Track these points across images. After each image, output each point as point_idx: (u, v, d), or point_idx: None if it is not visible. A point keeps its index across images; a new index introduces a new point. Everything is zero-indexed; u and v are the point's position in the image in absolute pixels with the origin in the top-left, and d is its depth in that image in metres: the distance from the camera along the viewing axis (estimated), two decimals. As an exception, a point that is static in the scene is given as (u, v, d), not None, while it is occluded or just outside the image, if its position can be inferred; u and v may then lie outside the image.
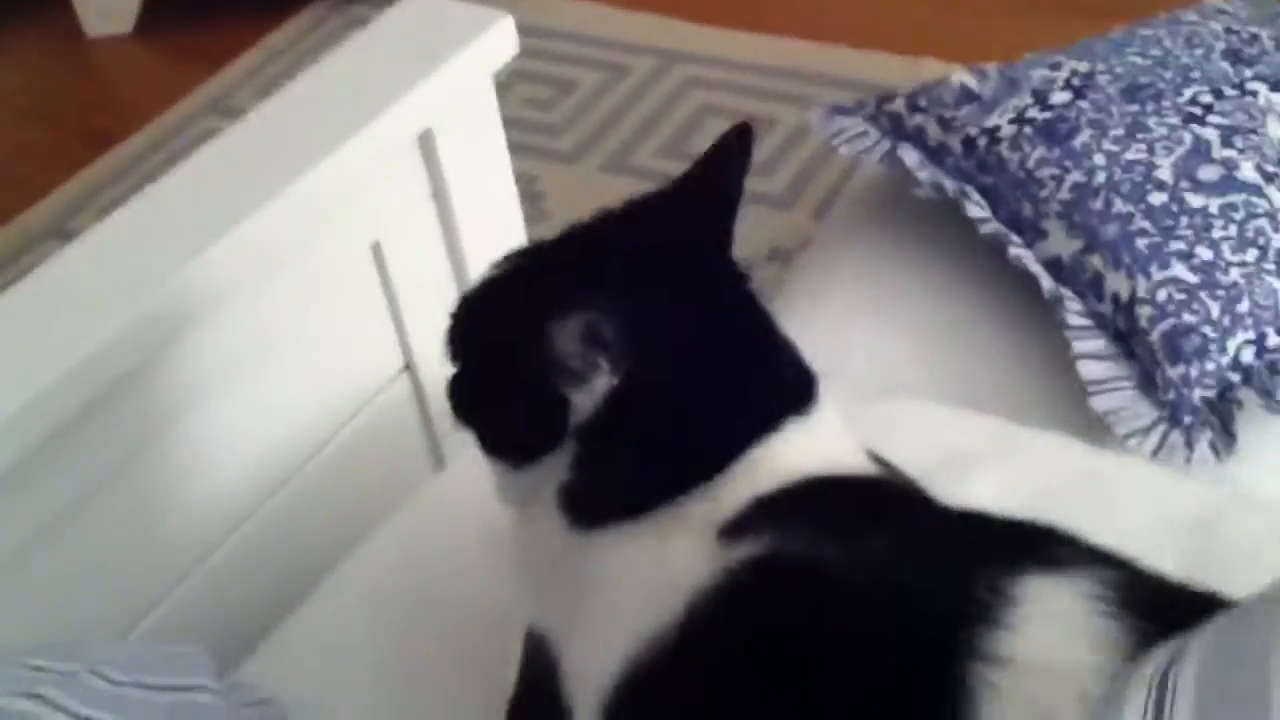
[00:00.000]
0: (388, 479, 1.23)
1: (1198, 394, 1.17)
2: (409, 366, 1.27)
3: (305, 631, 1.06)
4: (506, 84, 1.22)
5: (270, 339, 1.12)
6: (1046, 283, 1.26)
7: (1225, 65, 1.36)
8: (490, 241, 1.25)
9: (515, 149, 1.36)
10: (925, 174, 1.36)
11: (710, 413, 0.74)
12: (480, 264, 1.20)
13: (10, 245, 2.40)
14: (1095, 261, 1.24)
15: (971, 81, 1.40)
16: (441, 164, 1.19)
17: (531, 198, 2.23)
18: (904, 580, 0.64)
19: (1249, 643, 0.50)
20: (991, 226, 1.31)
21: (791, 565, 0.66)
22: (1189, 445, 1.16)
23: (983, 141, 1.35)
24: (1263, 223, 1.23)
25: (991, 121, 1.35)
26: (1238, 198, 1.24)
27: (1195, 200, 1.24)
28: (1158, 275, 1.20)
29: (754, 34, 2.61)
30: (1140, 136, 1.29)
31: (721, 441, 0.73)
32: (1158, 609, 0.60)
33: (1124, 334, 1.22)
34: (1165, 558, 0.67)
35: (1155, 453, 1.15)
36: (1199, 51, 1.38)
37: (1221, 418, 1.18)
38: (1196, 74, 1.35)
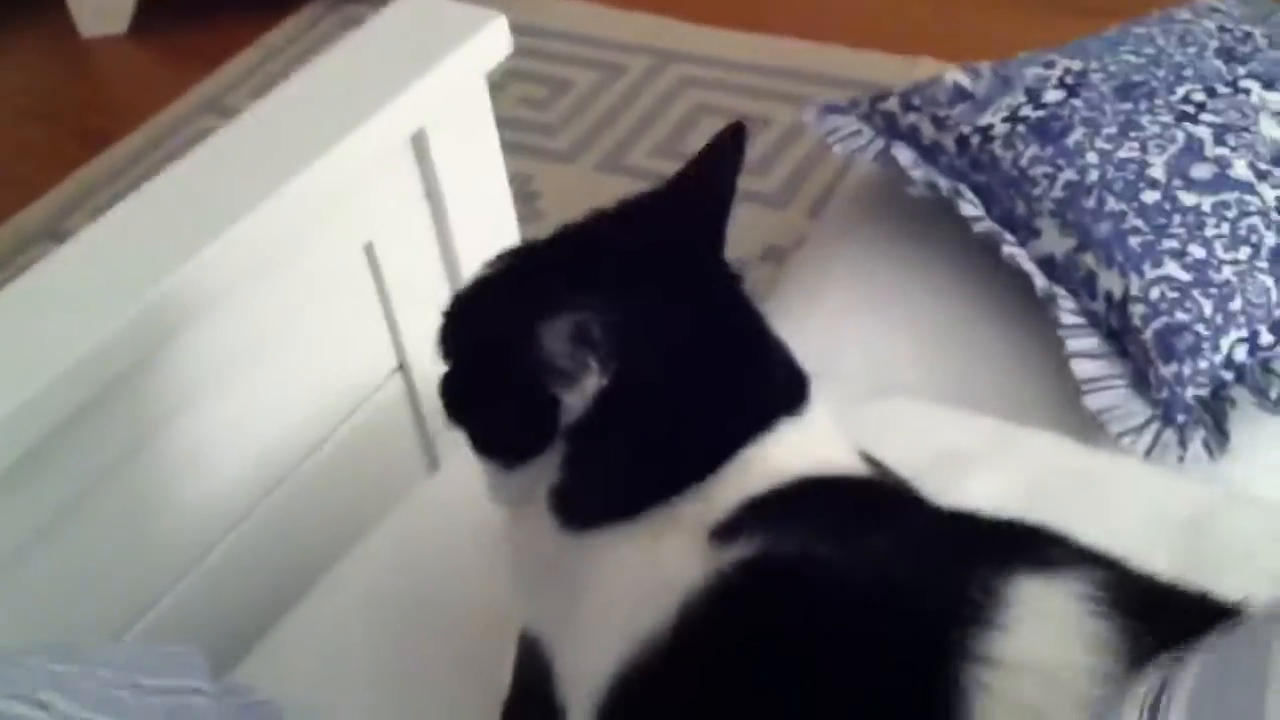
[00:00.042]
0: (381, 479, 1.23)
1: (1191, 392, 1.18)
2: (402, 367, 1.27)
3: (301, 632, 1.06)
4: (501, 83, 1.22)
5: (264, 339, 1.12)
6: (1039, 281, 1.26)
7: (1218, 63, 1.36)
8: (483, 242, 1.25)
9: (510, 148, 1.36)
10: (919, 173, 1.36)
11: (701, 414, 0.74)
12: (473, 264, 1.20)
13: (5, 245, 2.40)
14: (1088, 260, 1.24)
15: (965, 80, 1.40)
16: (435, 164, 1.20)
17: (526, 197, 2.23)
18: (896, 581, 0.64)
19: (1244, 664, 0.50)
20: (985, 225, 1.31)
21: (783, 566, 0.66)
22: (1182, 444, 1.16)
23: (976, 140, 1.35)
24: (1255, 221, 1.23)
25: (985, 120, 1.36)
26: (1230, 196, 1.24)
27: (1188, 198, 1.24)
28: (1150, 273, 1.20)
29: (749, 33, 2.61)
30: (1133, 135, 1.29)
31: (713, 442, 0.73)
32: (1149, 609, 0.60)
33: (1117, 332, 1.22)
34: (1158, 557, 0.67)
35: (1149, 451, 1.15)
36: (1192, 50, 1.38)
37: (1214, 416, 1.18)
38: (1189, 72, 1.35)
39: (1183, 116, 1.30)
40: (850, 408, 0.83)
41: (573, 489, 0.75)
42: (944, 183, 1.34)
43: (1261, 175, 1.25)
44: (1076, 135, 1.30)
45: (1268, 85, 1.33)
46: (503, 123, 1.30)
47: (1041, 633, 0.59)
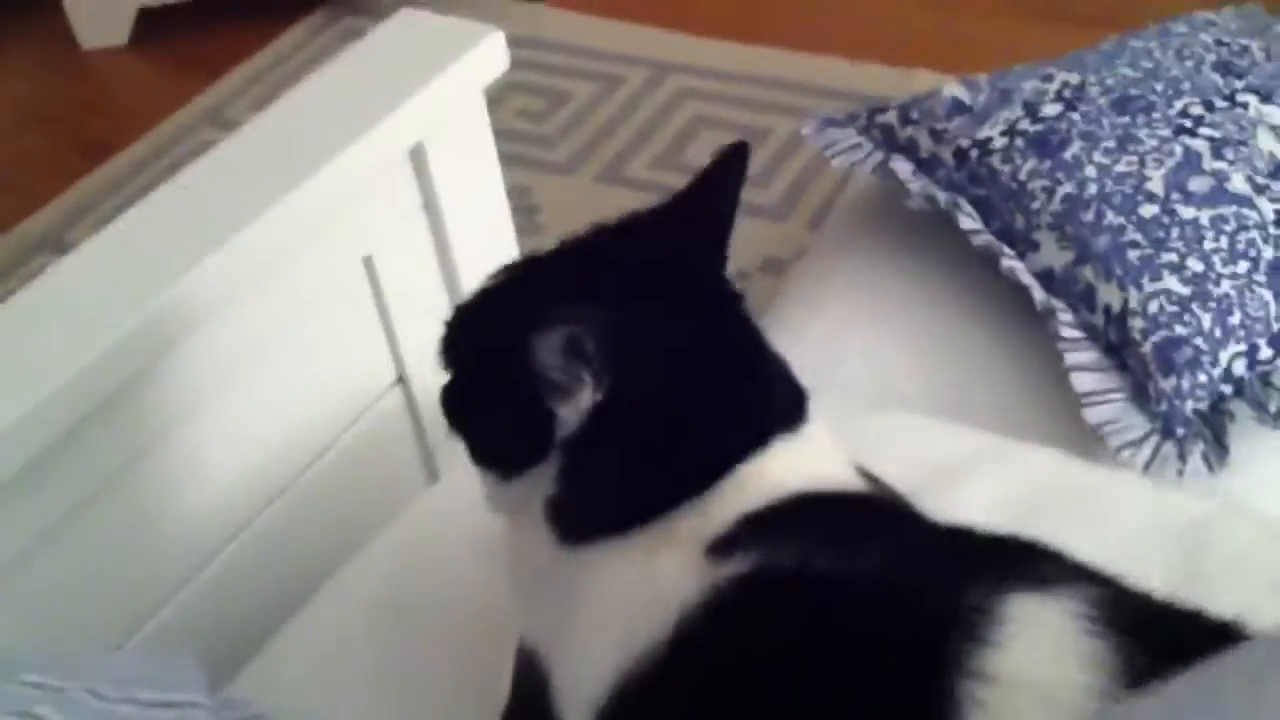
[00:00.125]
0: (381, 491, 1.23)
1: (1190, 406, 1.18)
2: (402, 379, 1.27)
3: (301, 641, 1.06)
4: (501, 96, 1.23)
5: (263, 350, 1.13)
6: (1038, 295, 1.26)
7: (1216, 77, 1.37)
8: (482, 255, 1.25)
9: (510, 161, 1.36)
10: (917, 186, 1.36)
11: (697, 429, 0.74)
12: (472, 277, 1.20)
13: (8, 255, 2.41)
14: (1087, 273, 1.24)
15: (963, 93, 1.41)
16: (433, 177, 1.20)
17: (526, 210, 2.24)
18: (891, 597, 0.64)
19: (1234, 698, 0.50)
20: (984, 238, 1.31)
21: (779, 582, 0.66)
22: (1181, 457, 1.16)
23: (974, 153, 1.35)
24: (1253, 234, 1.23)
25: (983, 133, 1.36)
26: (1228, 210, 1.24)
27: (1186, 212, 1.24)
28: (1149, 287, 1.21)
29: (748, 45, 2.62)
30: (1131, 148, 1.29)
31: (709, 458, 0.73)
32: (1145, 627, 0.60)
33: (1116, 346, 1.22)
34: (1154, 570, 0.67)
35: (1148, 465, 1.15)
36: (1189, 63, 1.39)
37: (1214, 430, 1.18)
38: (1187, 86, 1.35)
39: (1180, 130, 1.30)
40: (848, 422, 0.83)
41: (568, 502, 0.75)
42: (942, 196, 1.34)
43: (1259, 189, 1.26)
44: (1074, 149, 1.30)
45: (1265, 99, 1.33)
46: (502, 135, 1.31)
47: (1037, 650, 0.59)
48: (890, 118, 1.44)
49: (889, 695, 0.61)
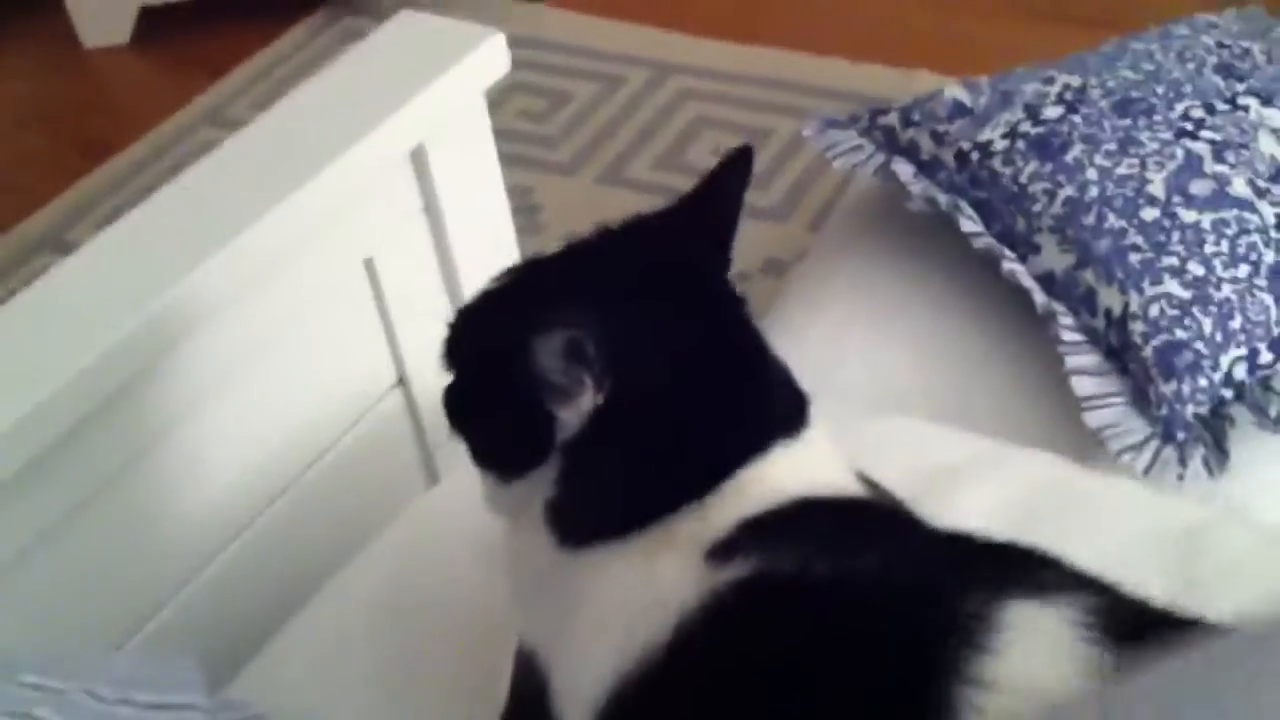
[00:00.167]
0: (381, 492, 1.23)
1: (1190, 410, 1.17)
2: (402, 381, 1.27)
3: (300, 642, 1.06)
4: (503, 96, 1.23)
5: (264, 352, 1.13)
6: (1039, 298, 1.26)
7: (1217, 80, 1.37)
8: (482, 256, 1.26)
9: (511, 161, 1.36)
10: (918, 188, 1.36)
11: (698, 434, 0.74)
12: (472, 279, 1.20)
13: (8, 255, 2.41)
14: (1088, 276, 1.24)
15: (964, 95, 1.41)
16: (434, 179, 1.20)
17: (527, 210, 2.24)
18: (890, 603, 0.64)
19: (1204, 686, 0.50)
20: (984, 241, 1.31)
21: (778, 587, 0.66)
22: (1182, 462, 1.16)
23: (975, 156, 1.35)
24: (1254, 238, 1.23)
25: (984, 136, 1.36)
26: (1229, 213, 1.24)
27: (1187, 215, 1.24)
28: (1150, 291, 1.21)
29: (749, 46, 2.62)
30: (1132, 151, 1.29)
31: (709, 462, 0.73)
32: (1142, 634, 0.60)
33: (1117, 350, 1.22)
34: (1152, 578, 0.67)
35: (1148, 469, 1.15)
36: (1191, 66, 1.39)
37: (1214, 434, 1.18)
38: (1188, 89, 1.35)
39: (1182, 133, 1.30)
40: (847, 425, 0.83)
41: (567, 505, 0.75)
42: (943, 198, 1.34)
43: (1260, 192, 1.26)
44: (1076, 151, 1.30)
45: (1266, 102, 1.33)
46: (503, 135, 1.31)
47: (1034, 657, 0.59)
48: (892, 119, 1.44)
49: (887, 701, 0.61)
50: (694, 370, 0.75)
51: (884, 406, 1.27)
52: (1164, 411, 1.17)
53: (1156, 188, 1.26)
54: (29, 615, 1.01)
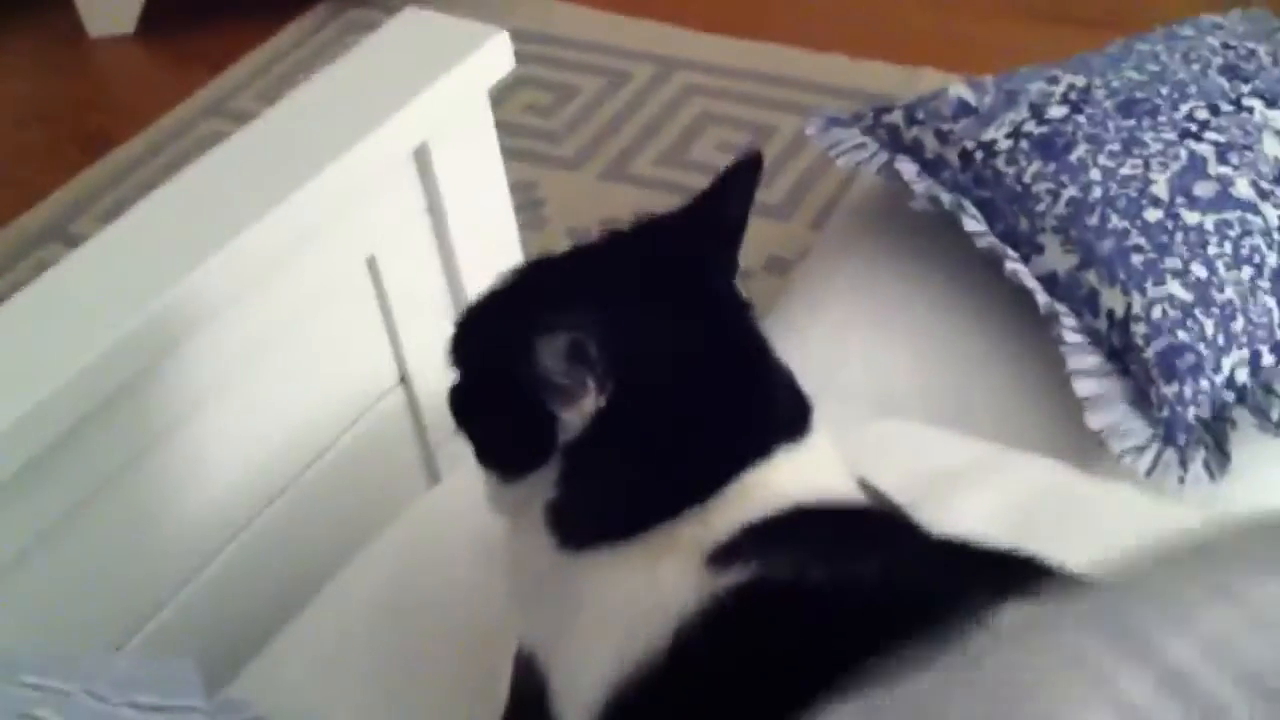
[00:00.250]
0: (382, 491, 1.23)
1: (1192, 412, 1.17)
2: (404, 379, 1.27)
3: (301, 642, 1.06)
4: (507, 90, 1.23)
5: (266, 351, 1.13)
6: (1042, 298, 1.26)
7: (1222, 81, 1.36)
8: (485, 255, 1.26)
9: (515, 155, 1.36)
10: (922, 187, 1.36)
11: (700, 438, 0.74)
12: (475, 278, 1.20)
13: (10, 247, 2.41)
14: (1091, 277, 1.24)
15: (969, 94, 1.40)
16: (437, 178, 1.20)
17: (531, 204, 2.24)
18: (888, 609, 0.64)
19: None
20: (987, 241, 1.31)
21: (777, 593, 0.66)
22: (1183, 464, 1.16)
23: (979, 155, 1.35)
24: (1257, 240, 1.23)
25: (988, 135, 1.36)
26: (1233, 215, 1.24)
27: (1190, 217, 1.24)
28: (1153, 292, 1.20)
29: (754, 42, 2.62)
30: (1136, 152, 1.29)
31: (711, 466, 0.73)
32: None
33: (1119, 351, 1.22)
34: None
35: (1149, 471, 1.15)
36: (1196, 67, 1.38)
37: (1216, 437, 1.18)
38: (1193, 89, 1.35)
39: (1186, 134, 1.30)
40: (848, 429, 0.83)
41: (567, 506, 0.75)
42: (947, 197, 1.34)
43: (1264, 194, 1.25)
44: (1080, 152, 1.30)
45: (1271, 103, 1.33)
46: (508, 129, 1.30)
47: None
48: (896, 118, 1.44)
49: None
50: (697, 374, 0.75)
51: (885, 406, 1.27)
52: (1165, 414, 1.17)
53: (1160, 189, 1.26)
54: (29, 615, 1.01)
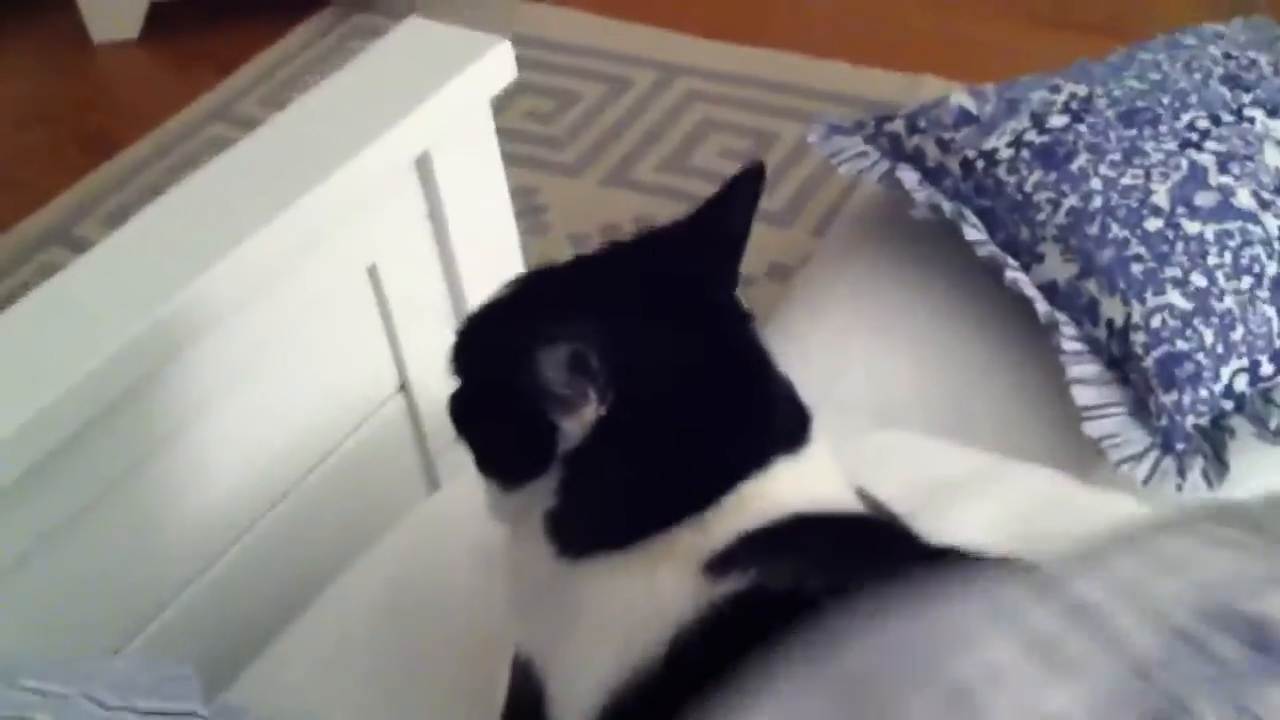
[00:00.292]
0: (382, 497, 1.24)
1: (1190, 421, 1.18)
2: (404, 386, 1.27)
3: (301, 646, 1.07)
4: (509, 96, 1.23)
5: (268, 357, 1.13)
6: (1042, 307, 1.26)
7: (1223, 90, 1.36)
8: (486, 263, 1.26)
9: (517, 161, 1.36)
10: (923, 195, 1.37)
11: (699, 447, 0.74)
12: (476, 285, 1.21)
13: (11, 250, 2.41)
14: (1091, 286, 1.24)
15: (970, 103, 1.41)
16: (438, 186, 1.20)
17: (533, 210, 2.24)
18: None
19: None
20: (988, 249, 1.31)
21: (774, 602, 0.67)
22: (1181, 473, 1.16)
23: (981, 164, 1.35)
24: (1258, 250, 1.23)
25: (990, 144, 1.36)
26: (1233, 225, 1.24)
27: (1191, 226, 1.24)
28: (1152, 301, 1.21)
29: (756, 48, 2.62)
30: (1137, 161, 1.29)
31: (710, 476, 0.73)
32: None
33: (1118, 360, 1.22)
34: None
35: (1147, 480, 1.16)
36: (1197, 76, 1.38)
37: (1214, 445, 1.18)
38: (1194, 99, 1.35)
39: (1187, 144, 1.30)
40: (847, 439, 0.83)
41: (566, 515, 0.75)
42: (948, 206, 1.34)
43: (1265, 204, 1.26)
44: (1080, 161, 1.30)
45: (1272, 113, 1.33)
46: (509, 135, 1.31)
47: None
48: (897, 126, 1.44)
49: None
50: (697, 384, 0.75)
51: (885, 413, 1.28)
52: (1164, 422, 1.17)
53: (1161, 198, 1.26)
54: (30, 616, 1.01)
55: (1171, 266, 1.22)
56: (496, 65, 1.19)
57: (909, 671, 0.52)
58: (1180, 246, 1.23)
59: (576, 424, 0.73)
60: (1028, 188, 1.31)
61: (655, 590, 0.71)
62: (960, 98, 1.42)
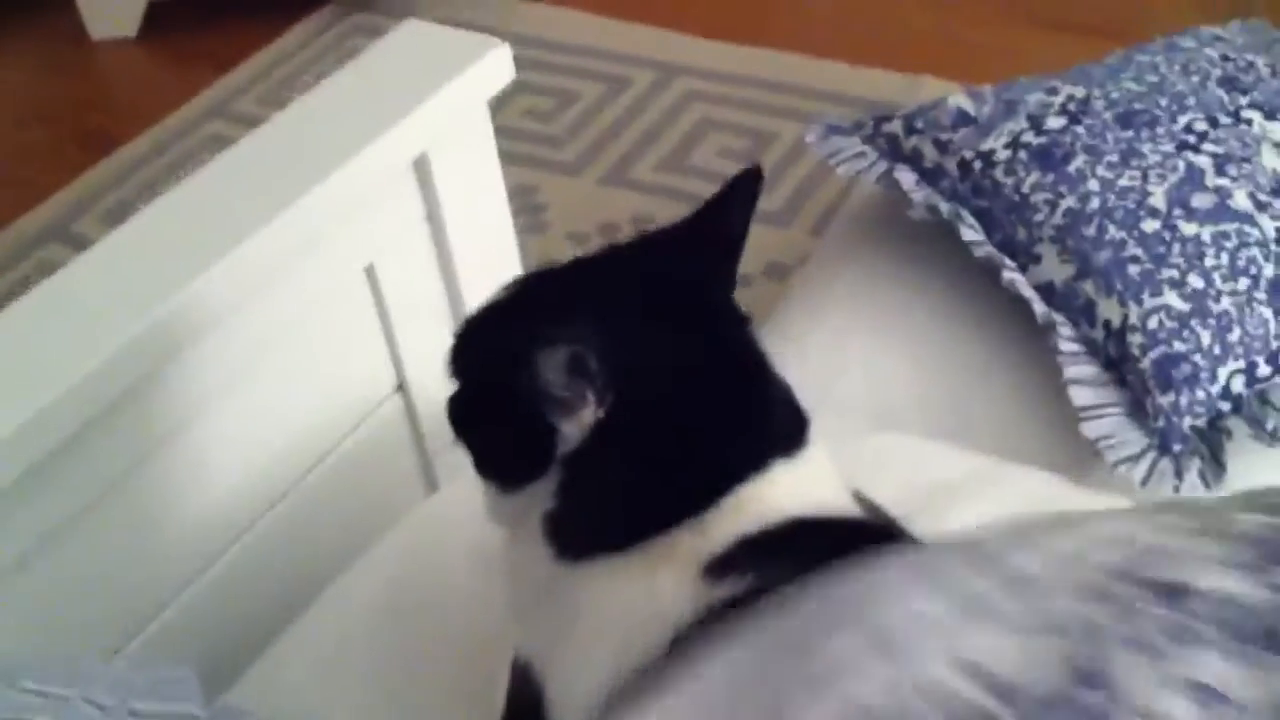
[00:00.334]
0: (381, 497, 1.24)
1: (1187, 422, 1.18)
2: (402, 387, 1.27)
3: (301, 647, 1.07)
4: (508, 94, 1.23)
5: (266, 357, 1.13)
6: (1039, 308, 1.26)
7: (1221, 93, 1.37)
8: (484, 264, 1.26)
9: (516, 159, 1.37)
10: (920, 196, 1.37)
11: (698, 451, 0.74)
12: (473, 287, 1.21)
13: (9, 247, 2.42)
14: (1087, 287, 1.24)
15: (968, 104, 1.41)
16: (436, 188, 1.20)
17: (532, 209, 2.25)
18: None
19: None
20: (985, 250, 1.31)
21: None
22: (1178, 474, 1.16)
23: (978, 165, 1.36)
24: (1254, 252, 1.23)
25: (987, 145, 1.36)
26: (1230, 226, 1.24)
27: (1188, 228, 1.24)
28: (1149, 302, 1.21)
29: (755, 48, 2.62)
30: (1134, 163, 1.29)
31: (708, 479, 0.73)
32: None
33: (1115, 361, 1.22)
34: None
35: (1144, 481, 1.16)
36: (1195, 78, 1.39)
37: (1211, 446, 1.18)
38: (1192, 101, 1.35)
39: (1184, 146, 1.30)
40: (845, 442, 0.84)
41: (565, 517, 0.75)
42: (945, 206, 1.35)
43: (1261, 206, 1.26)
44: (1078, 162, 1.31)
45: (1269, 115, 1.34)
46: (508, 133, 1.31)
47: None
48: (895, 127, 1.44)
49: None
50: (695, 387, 0.75)
51: (883, 414, 1.28)
52: (1161, 423, 1.18)
53: (1158, 200, 1.26)
54: (29, 617, 1.01)
55: (1168, 268, 1.22)
56: (494, 67, 1.20)
57: (835, 618, 0.55)
58: (1177, 248, 1.23)
59: (575, 426, 0.73)
60: (1025, 189, 1.32)
61: (654, 593, 0.71)
62: (958, 99, 1.42)
